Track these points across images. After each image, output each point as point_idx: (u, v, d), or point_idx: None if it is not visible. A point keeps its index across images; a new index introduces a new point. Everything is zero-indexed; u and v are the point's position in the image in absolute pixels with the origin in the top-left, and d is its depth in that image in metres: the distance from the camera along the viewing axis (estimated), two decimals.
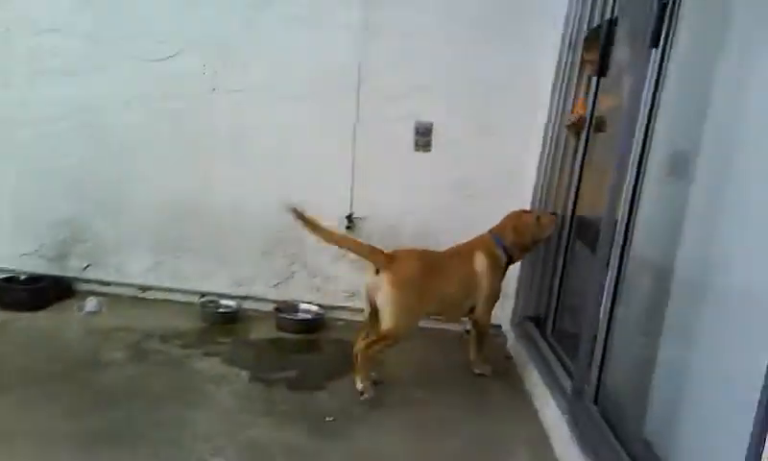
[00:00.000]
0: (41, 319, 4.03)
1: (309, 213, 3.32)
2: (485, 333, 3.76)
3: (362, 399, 3.27)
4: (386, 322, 3.29)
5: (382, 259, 3.33)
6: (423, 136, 4.39)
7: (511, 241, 3.65)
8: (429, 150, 4.40)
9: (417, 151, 4.41)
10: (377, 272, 3.32)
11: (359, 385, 3.32)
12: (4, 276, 4.37)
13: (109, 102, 4.42)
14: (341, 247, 3.60)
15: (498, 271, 3.66)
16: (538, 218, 3.72)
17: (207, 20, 4.32)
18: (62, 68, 4.38)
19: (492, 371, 3.78)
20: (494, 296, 3.67)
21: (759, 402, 1.54)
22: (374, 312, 3.37)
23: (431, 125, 4.38)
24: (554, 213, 3.82)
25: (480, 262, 3.57)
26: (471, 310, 3.65)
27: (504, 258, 3.66)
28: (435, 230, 3.95)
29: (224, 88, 4.39)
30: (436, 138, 4.39)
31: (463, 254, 3.62)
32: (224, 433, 2.81)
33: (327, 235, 3.39)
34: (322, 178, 4.44)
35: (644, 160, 2.56)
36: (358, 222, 4.46)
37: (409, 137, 4.40)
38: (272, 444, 2.76)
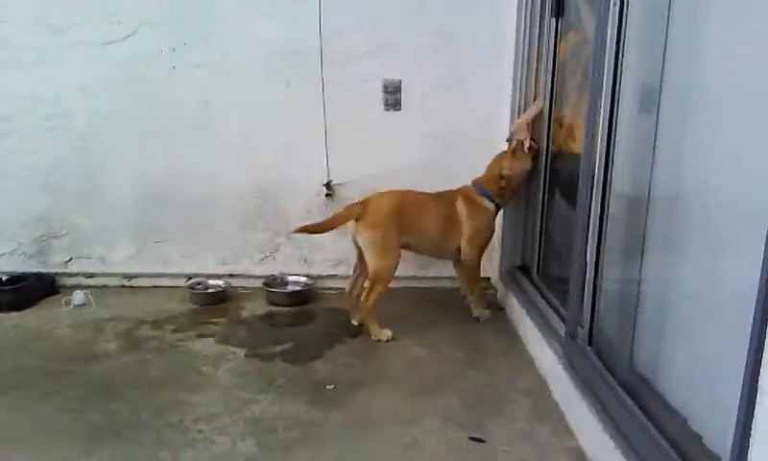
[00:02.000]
0: (29, 317, 3.99)
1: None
2: (472, 274, 3.92)
3: (385, 341, 3.62)
4: (370, 263, 3.60)
5: (357, 208, 3.65)
6: (392, 95, 4.34)
7: (492, 188, 3.83)
8: (399, 108, 4.36)
9: (387, 110, 4.37)
10: (357, 219, 3.63)
11: (374, 336, 3.64)
12: None
13: (68, 90, 4.31)
14: (336, 227, 3.77)
15: (481, 215, 3.83)
16: (513, 152, 3.87)
17: None
18: (13, 61, 4.24)
19: (490, 315, 3.96)
20: (479, 238, 3.85)
21: (753, 319, 1.52)
22: (361, 255, 3.70)
23: (399, 82, 4.33)
24: (531, 145, 3.86)
25: (460, 207, 3.81)
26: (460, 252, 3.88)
27: (489, 204, 3.84)
28: (417, 187, 3.92)
29: (184, 65, 4.29)
30: (405, 96, 4.35)
31: (445, 196, 3.87)
32: (226, 412, 2.83)
33: (323, 226, 3.74)
34: (295, 148, 4.42)
35: (616, 95, 2.55)
36: (337, 188, 4.43)
37: (378, 97, 4.35)
38: (274, 418, 2.79)
